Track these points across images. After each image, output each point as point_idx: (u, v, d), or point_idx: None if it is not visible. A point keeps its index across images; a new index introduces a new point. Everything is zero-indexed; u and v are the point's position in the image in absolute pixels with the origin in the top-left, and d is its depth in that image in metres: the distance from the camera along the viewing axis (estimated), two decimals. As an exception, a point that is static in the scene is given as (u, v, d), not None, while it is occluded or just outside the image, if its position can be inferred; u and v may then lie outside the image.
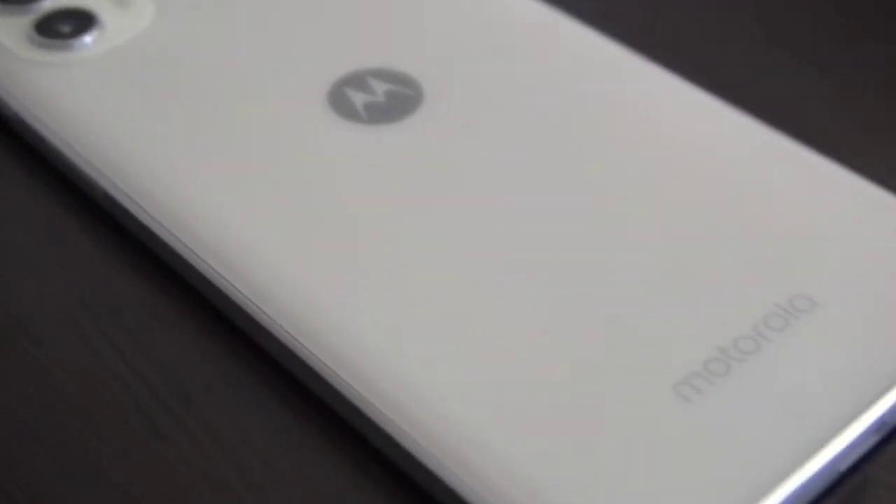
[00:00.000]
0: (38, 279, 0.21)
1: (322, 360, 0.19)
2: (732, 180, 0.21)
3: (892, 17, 0.26)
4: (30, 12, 0.25)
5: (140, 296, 0.21)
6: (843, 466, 0.18)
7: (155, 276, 0.21)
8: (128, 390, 0.20)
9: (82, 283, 0.21)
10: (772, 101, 0.24)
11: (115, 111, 0.23)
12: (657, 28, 0.26)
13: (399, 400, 0.18)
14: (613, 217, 0.21)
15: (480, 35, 0.24)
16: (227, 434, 0.19)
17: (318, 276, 0.20)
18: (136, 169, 0.22)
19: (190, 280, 0.21)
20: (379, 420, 0.18)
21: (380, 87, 0.23)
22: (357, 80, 0.23)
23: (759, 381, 0.18)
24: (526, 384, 0.18)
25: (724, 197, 0.21)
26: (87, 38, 0.24)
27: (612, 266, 0.20)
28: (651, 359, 0.18)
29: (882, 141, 0.24)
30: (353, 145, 0.22)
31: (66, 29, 0.24)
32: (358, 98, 0.23)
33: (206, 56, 0.24)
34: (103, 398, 0.20)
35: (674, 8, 0.27)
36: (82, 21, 0.24)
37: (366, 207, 0.21)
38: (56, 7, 0.25)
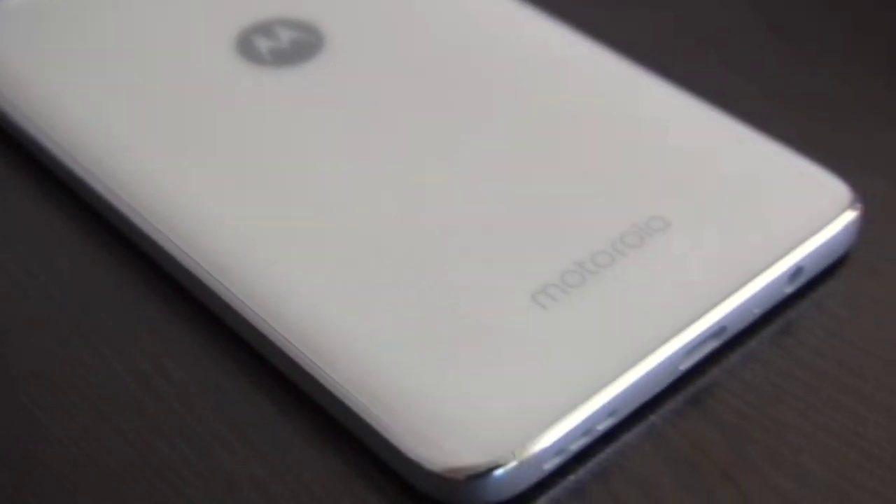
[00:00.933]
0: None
1: (205, 269, 0.21)
2: (603, 115, 0.23)
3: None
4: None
5: (44, 217, 0.23)
6: (685, 367, 0.20)
7: (58, 199, 0.23)
8: (28, 299, 0.21)
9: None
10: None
11: (35, 58, 0.24)
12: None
13: (262, 292, 0.20)
14: (492, 146, 0.22)
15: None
16: (119, 338, 0.21)
17: (208, 194, 0.21)
18: (52, 111, 0.24)
19: (90, 202, 0.23)
20: (235, 304, 0.20)
21: (285, 35, 0.25)
22: (263, 27, 0.25)
23: (610, 290, 0.20)
24: (398, 291, 0.20)
25: (594, 130, 0.23)
26: (11, -11, 0.26)
27: (488, 188, 0.22)
28: (513, 270, 0.20)
29: (742, 79, 0.26)
30: (257, 86, 0.24)
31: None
32: (264, 44, 0.25)
33: (122, 7, 0.26)
34: (5, 307, 0.21)
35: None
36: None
37: (260, 136, 0.23)
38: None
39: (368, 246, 0.21)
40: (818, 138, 0.24)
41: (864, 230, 0.22)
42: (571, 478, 0.19)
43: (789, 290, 0.21)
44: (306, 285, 0.20)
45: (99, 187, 0.22)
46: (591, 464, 0.19)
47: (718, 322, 0.20)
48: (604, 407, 0.19)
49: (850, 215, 0.21)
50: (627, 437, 0.19)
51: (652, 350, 0.19)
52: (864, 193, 0.22)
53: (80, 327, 0.21)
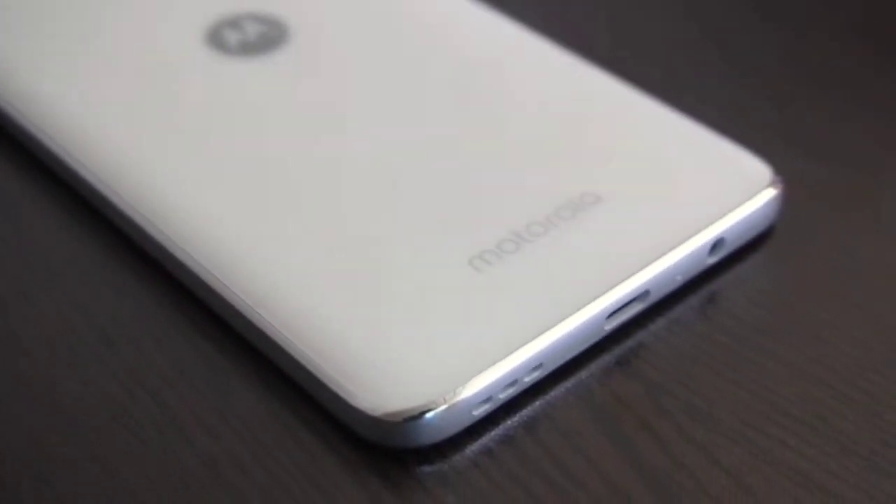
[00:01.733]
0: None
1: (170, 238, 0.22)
2: (543, 102, 0.25)
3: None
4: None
5: (20, 191, 0.25)
6: (610, 327, 0.21)
7: (34, 175, 0.25)
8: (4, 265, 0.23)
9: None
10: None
11: (19, 48, 0.26)
12: None
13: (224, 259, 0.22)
14: (442, 128, 0.24)
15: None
16: (81, 296, 0.22)
17: (170, 164, 0.23)
18: (38, 99, 0.25)
19: (64, 176, 0.24)
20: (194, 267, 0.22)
21: (251, 28, 0.27)
22: (232, 21, 0.27)
23: (542, 256, 0.21)
24: (344, 251, 0.21)
25: (535, 115, 0.24)
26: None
27: (436, 165, 0.23)
28: (453, 237, 0.22)
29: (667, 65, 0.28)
30: (225, 75, 0.25)
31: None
32: (232, 37, 0.26)
33: (101, 1, 0.27)
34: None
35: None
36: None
37: (226, 116, 0.24)
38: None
39: (319, 210, 0.22)
40: (749, 123, 0.26)
41: (790, 209, 0.24)
42: (501, 426, 0.20)
43: (712, 260, 0.23)
44: (255, 243, 0.22)
45: (73, 163, 0.24)
46: (520, 414, 0.20)
47: (642, 286, 0.21)
48: (529, 360, 0.20)
49: (770, 193, 0.23)
50: (556, 392, 0.21)
51: (576, 309, 0.21)
52: (791, 176, 0.24)
53: (47, 286, 0.23)
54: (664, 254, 0.22)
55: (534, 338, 0.20)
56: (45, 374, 0.21)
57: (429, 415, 0.19)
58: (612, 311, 0.21)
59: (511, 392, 0.20)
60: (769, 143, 0.24)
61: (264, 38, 0.26)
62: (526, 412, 0.21)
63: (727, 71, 0.28)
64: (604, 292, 0.21)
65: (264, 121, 0.24)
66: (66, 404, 0.21)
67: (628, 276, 0.21)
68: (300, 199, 0.23)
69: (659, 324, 0.22)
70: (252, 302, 0.21)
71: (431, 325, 0.20)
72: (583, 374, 0.21)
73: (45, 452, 0.20)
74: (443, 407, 0.19)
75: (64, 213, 0.24)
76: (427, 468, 0.20)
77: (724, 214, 0.22)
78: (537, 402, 0.21)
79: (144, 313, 0.22)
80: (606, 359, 0.22)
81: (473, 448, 0.20)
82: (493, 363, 0.20)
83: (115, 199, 0.23)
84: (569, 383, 0.21)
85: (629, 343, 0.22)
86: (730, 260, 0.23)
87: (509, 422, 0.20)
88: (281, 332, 0.20)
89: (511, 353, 0.20)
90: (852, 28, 0.29)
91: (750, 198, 0.23)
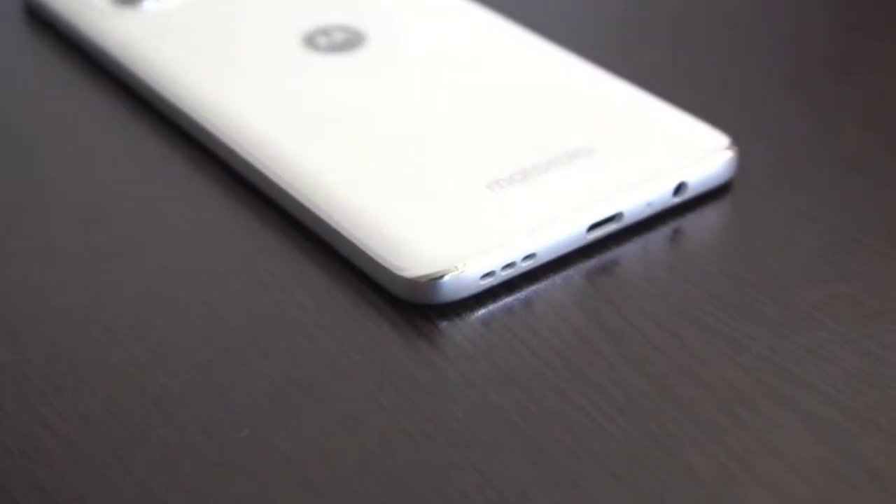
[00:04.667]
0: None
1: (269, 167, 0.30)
2: (554, 90, 0.32)
3: None
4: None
5: (140, 142, 0.33)
6: (592, 237, 0.28)
7: (154, 127, 0.33)
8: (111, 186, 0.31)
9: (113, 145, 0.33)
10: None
11: (165, 44, 0.35)
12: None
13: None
14: (474, 99, 0.32)
15: (405, 8, 0.36)
16: (174, 201, 0.30)
17: (275, 118, 0.31)
18: (180, 81, 0.33)
19: (190, 130, 0.32)
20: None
21: (337, 35, 0.34)
22: (323, 30, 0.35)
23: (542, 186, 0.29)
24: (400, 171, 0.29)
25: (546, 98, 0.32)
26: (149, 2, 0.36)
27: (471, 122, 0.31)
28: (478, 168, 0.29)
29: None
30: (317, 66, 0.34)
31: (136, -5, 0.36)
32: (323, 40, 0.34)
33: (227, 14, 0.36)
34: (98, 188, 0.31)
35: None
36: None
37: (318, 94, 0.32)
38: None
39: (382, 142, 0.30)
40: (722, 106, 0.32)
41: (746, 172, 0.30)
42: (502, 298, 0.27)
43: (676, 200, 0.29)
44: (333, 163, 0.29)
45: (202, 121, 0.32)
46: (517, 292, 0.27)
47: (616, 208, 0.28)
48: (523, 249, 0.27)
49: (726, 154, 0.30)
50: (546, 280, 0.28)
51: (562, 218, 0.28)
52: (750, 148, 0.31)
53: (152, 203, 0.31)
54: (635, 187, 0.29)
55: (526, 234, 0.27)
56: (170, 248, 0.29)
57: (446, 277, 0.26)
58: (591, 224, 0.28)
59: (510, 272, 0.27)
60: (735, 122, 0.31)
61: (347, 42, 0.34)
62: (521, 291, 0.27)
63: (708, 65, 0.35)
64: (584, 210, 0.28)
65: (342, 95, 0.32)
66: (187, 265, 0.28)
67: (604, 200, 0.28)
68: (370, 136, 0.30)
69: (636, 243, 0.29)
70: (324, 205, 0.28)
71: (453, 219, 0.28)
72: (569, 271, 0.28)
73: (164, 300, 0.27)
74: (456, 273, 0.26)
75: (172, 146, 0.32)
76: (444, 321, 0.27)
77: (685, 166, 0.29)
78: (532, 287, 0.28)
79: (221, 211, 0.30)
80: (589, 263, 0.28)
81: (480, 311, 0.27)
82: (496, 247, 0.27)
83: (223, 138, 0.31)
84: (557, 275, 0.28)
85: (609, 255, 0.29)
86: (694, 204, 0.30)
87: (508, 297, 0.27)
88: (342, 224, 0.28)
89: (509, 242, 0.27)
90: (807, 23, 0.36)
91: (708, 155, 0.30)
